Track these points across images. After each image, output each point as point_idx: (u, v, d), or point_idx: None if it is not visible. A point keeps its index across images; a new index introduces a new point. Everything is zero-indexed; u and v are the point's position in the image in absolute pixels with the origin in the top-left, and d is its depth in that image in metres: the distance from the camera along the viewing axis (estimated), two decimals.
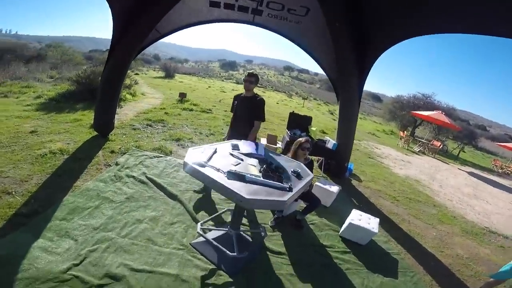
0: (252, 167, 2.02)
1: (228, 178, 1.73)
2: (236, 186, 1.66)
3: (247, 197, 1.56)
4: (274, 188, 1.77)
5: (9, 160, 3.30)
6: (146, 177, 3.33)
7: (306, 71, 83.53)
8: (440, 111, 14.35)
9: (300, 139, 2.96)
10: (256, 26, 5.17)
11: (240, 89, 23.67)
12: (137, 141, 4.63)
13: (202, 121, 7.32)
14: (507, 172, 13.13)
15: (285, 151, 3.03)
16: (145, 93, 10.79)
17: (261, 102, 3.05)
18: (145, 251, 2.18)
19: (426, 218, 4.40)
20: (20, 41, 20.34)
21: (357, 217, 3.11)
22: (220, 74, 39.99)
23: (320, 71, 5.40)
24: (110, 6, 3.90)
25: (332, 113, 19.33)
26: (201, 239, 2.37)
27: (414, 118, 17.78)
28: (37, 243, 2.06)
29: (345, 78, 4.56)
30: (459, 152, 16.03)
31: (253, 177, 1.81)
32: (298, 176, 2.06)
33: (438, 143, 13.85)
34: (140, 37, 4.30)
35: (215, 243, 2.25)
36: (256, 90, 3.22)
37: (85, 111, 5.95)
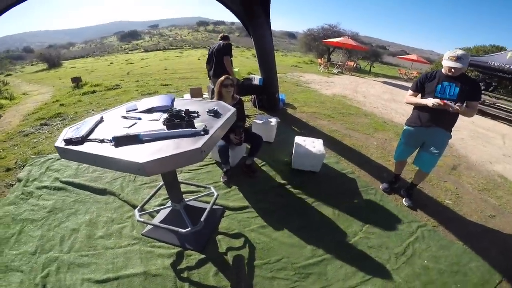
0: (154, 123, 1.58)
1: (116, 146, 1.26)
2: (128, 152, 1.21)
3: (143, 161, 1.10)
4: (183, 137, 1.35)
5: None
6: (61, 181, 2.70)
7: (222, 22, 78.76)
8: (347, 36, 15.98)
9: (221, 78, 2.65)
10: None
11: (151, 57, 21.11)
12: (34, 147, 3.64)
13: (111, 99, 6.22)
14: (410, 77, 15.81)
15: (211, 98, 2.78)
16: (27, 92, 8.88)
17: None
18: (98, 259, 1.88)
19: (362, 128, 4.72)
20: None
21: (302, 144, 3.02)
22: (122, 47, 34.62)
23: (236, 19, 4.91)
24: None
25: (255, 56, 19.21)
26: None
27: (327, 46, 19.02)
28: None
29: (252, 12, 4.35)
30: (370, 68, 18.58)
31: (151, 132, 1.35)
32: (216, 114, 1.69)
33: (351, 63, 15.50)
34: None
35: (162, 225, 1.95)
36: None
37: None
